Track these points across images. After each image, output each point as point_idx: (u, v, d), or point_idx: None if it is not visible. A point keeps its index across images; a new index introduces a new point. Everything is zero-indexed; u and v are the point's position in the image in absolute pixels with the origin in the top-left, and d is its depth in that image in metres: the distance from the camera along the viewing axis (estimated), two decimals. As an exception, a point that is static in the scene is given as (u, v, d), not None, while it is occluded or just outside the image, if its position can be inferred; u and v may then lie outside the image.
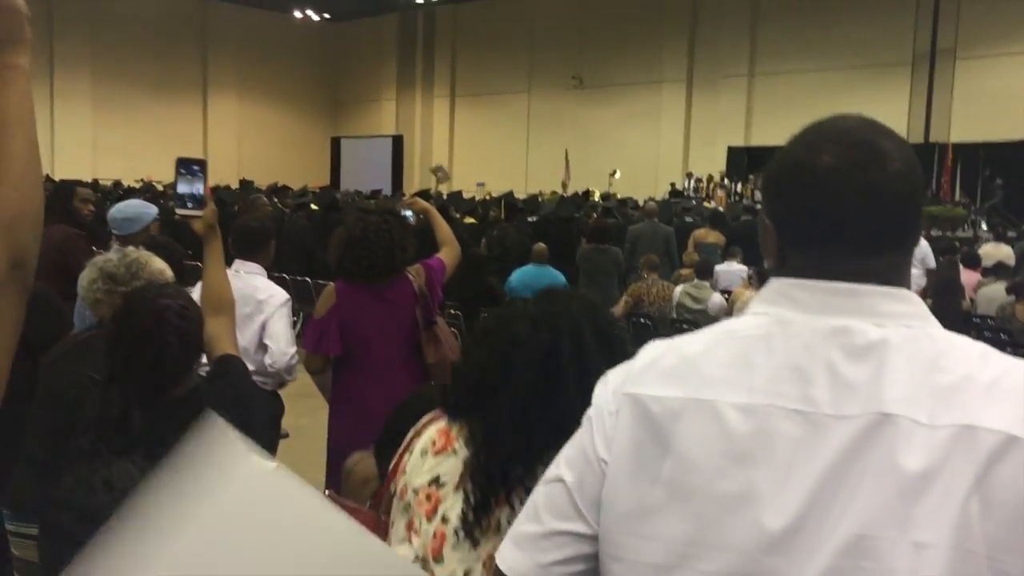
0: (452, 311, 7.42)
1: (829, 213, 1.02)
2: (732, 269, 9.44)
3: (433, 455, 1.63)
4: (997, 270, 9.11)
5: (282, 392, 4.02)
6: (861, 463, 0.92)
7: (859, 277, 1.01)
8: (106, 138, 25.03)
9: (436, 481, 1.60)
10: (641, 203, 15.10)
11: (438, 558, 1.56)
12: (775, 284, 1.07)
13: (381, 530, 1.70)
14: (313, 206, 13.25)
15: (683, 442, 1.01)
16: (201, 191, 2.54)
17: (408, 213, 4.17)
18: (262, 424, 3.22)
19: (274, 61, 29.52)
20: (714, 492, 0.97)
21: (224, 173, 24.83)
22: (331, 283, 3.85)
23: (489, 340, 1.66)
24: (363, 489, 2.05)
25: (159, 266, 2.82)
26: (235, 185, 20.21)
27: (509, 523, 1.42)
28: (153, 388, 1.89)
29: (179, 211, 2.55)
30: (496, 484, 1.55)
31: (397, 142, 30.26)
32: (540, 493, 1.14)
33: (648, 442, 1.03)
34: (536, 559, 1.11)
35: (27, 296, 1.17)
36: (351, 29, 31.20)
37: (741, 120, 22.71)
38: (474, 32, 28.29)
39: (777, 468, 0.95)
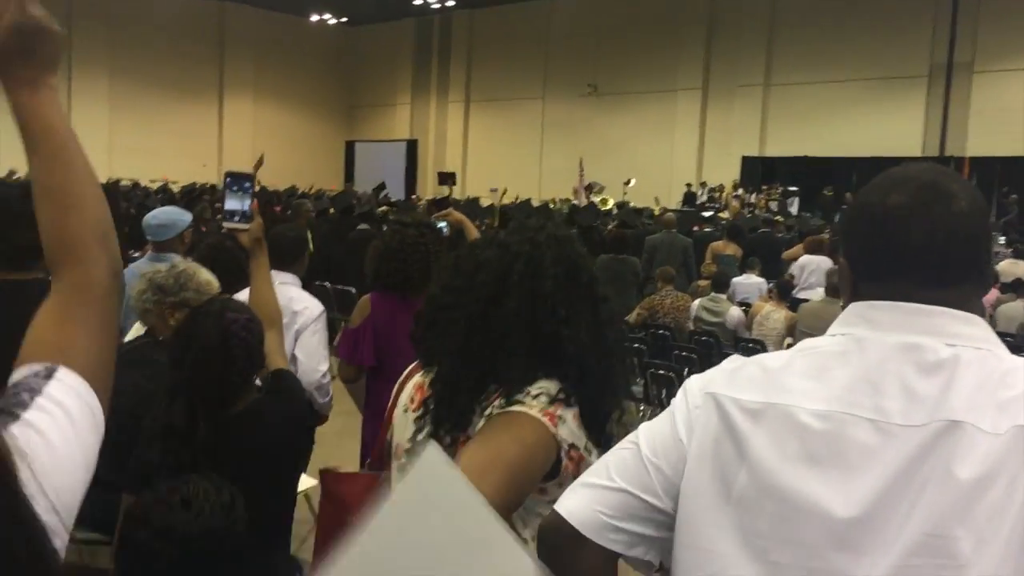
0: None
1: (898, 249, 1.09)
2: (750, 282, 9.45)
3: (413, 411, 1.64)
4: (1016, 287, 9.10)
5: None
6: (928, 466, 0.98)
7: (929, 304, 1.07)
8: (122, 138, 25.15)
9: (414, 439, 1.60)
10: (656, 212, 15.13)
11: None
12: (852, 307, 1.13)
13: (381, 487, 1.72)
14: (331, 210, 13.31)
15: (760, 442, 1.07)
16: (249, 206, 2.58)
17: (443, 225, 4.20)
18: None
19: (290, 64, 29.64)
20: (788, 489, 1.03)
21: (239, 175, 24.92)
22: (366, 294, 3.88)
23: (456, 263, 1.64)
24: None
25: (206, 277, 2.87)
26: (273, 186, 20.27)
27: None
28: (218, 401, 1.92)
29: (226, 224, 2.59)
30: (451, 424, 1.52)
31: (411, 146, 30.33)
32: (612, 455, 1.20)
33: (727, 440, 1.09)
34: (596, 510, 1.15)
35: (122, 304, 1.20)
36: (367, 33, 31.31)
37: (756, 130, 22.68)
38: (490, 38, 28.34)
39: (848, 471, 1.01)
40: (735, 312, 7.92)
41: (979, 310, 1.11)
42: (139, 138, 25.43)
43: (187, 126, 26.91)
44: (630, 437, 1.20)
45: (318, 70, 30.97)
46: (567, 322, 1.50)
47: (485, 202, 18.48)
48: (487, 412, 1.47)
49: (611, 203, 19.76)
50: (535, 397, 1.46)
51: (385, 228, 3.91)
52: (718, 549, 1.07)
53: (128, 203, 14.19)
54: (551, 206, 19.17)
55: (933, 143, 19.53)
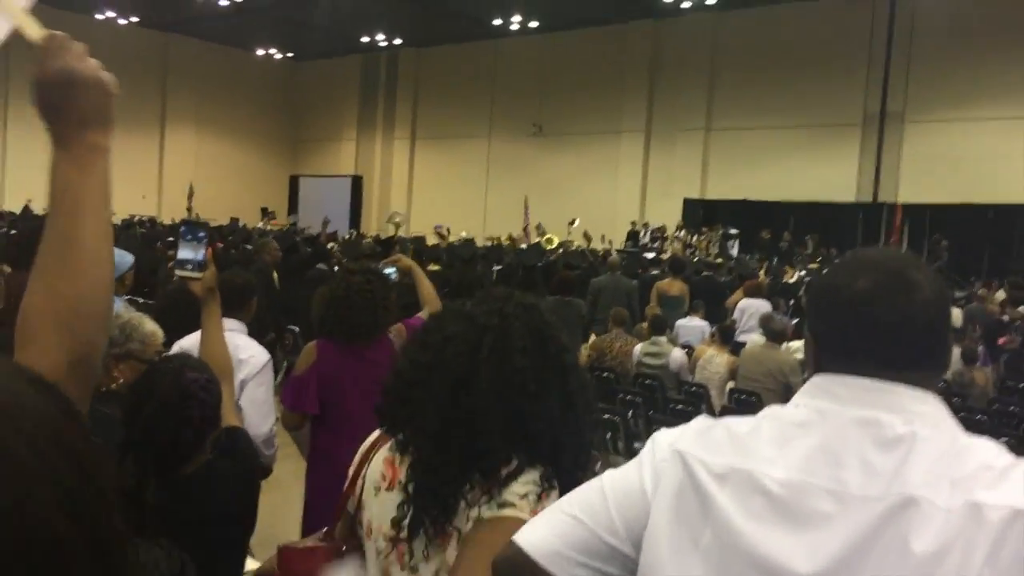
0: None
1: (863, 331, 1.14)
2: (694, 324, 9.58)
3: (385, 490, 1.60)
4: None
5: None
6: (886, 538, 1.01)
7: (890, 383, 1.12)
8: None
9: (398, 525, 1.55)
10: (601, 253, 15.29)
11: None
12: (816, 380, 1.19)
13: (344, 556, 1.69)
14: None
15: (724, 502, 1.10)
16: (203, 255, 2.56)
17: (391, 270, 4.19)
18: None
19: (234, 97, 29.40)
20: (752, 545, 1.07)
21: (179, 207, 24.58)
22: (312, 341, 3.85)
23: (423, 337, 1.62)
24: None
25: (151, 328, 2.81)
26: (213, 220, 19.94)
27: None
28: (171, 462, 1.88)
29: (179, 272, 2.57)
30: (436, 512, 1.49)
31: (356, 182, 30.24)
32: (576, 494, 1.22)
33: (692, 496, 1.13)
34: (559, 544, 1.16)
35: (92, 390, 1.10)
36: (313, 68, 31.27)
37: (697, 173, 23.12)
38: (436, 76, 28.51)
39: (810, 532, 1.05)
40: (677, 354, 8.01)
41: (935, 389, 1.16)
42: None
43: (127, 156, 26.46)
44: (594, 481, 1.22)
45: (263, 103, 30.76)
46: (538, 397, 1.49)
47: (431, 240, 18.48)
48: (475, 513, 1.45)
49: (556, 242, 19.94)
50: (523, 497, 1.44)
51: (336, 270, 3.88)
52: None
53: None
54: (502, 243, 19.26)
55: (867, 189, 20.13)
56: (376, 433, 1.71)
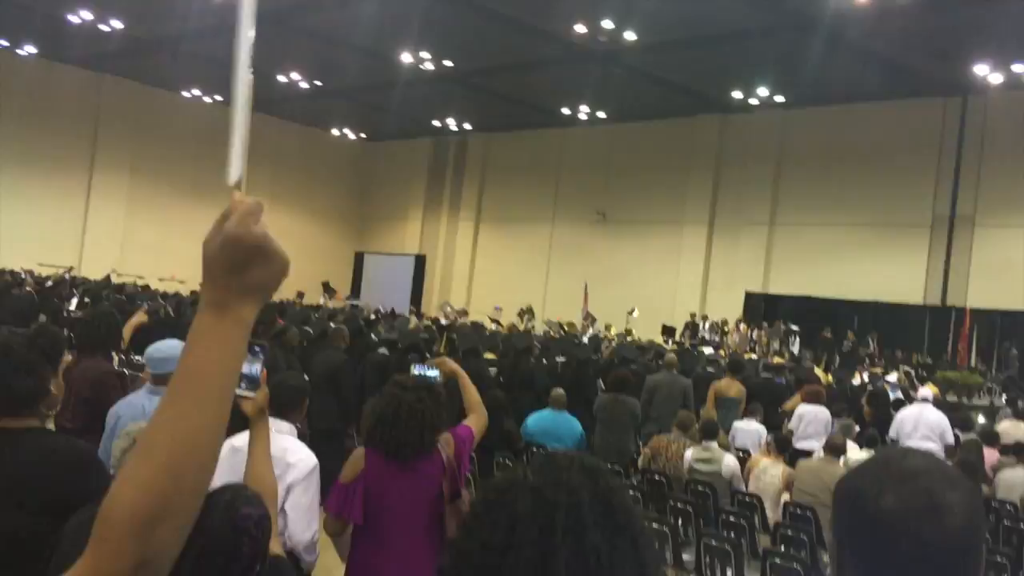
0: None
1: (885, 551, 1.12)
2: (751, 428, 9.38)
3: None
4: (1017, 450, 9.02)
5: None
6: None
7: None
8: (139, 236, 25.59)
9: None
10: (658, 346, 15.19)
11: None
12: None
13: None
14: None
15: None
16: (258, 372, 2.61)
17: (435, 374, 4.18)
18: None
19: (307, 173, 30.46)
20: None
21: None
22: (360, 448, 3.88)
23: (486, 515, 1.52)
24: None
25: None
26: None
27: None
28: (213, 598, 1.88)
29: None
30: None
31: (420, 261, 30.74)
32: None
33: None
34: None
35: None
36: (385, 148, 32.22)
37: (760, 266, 22.97)
38: (504, 161, 29.09)
39: None
40: (730, 461, 7.81)
41: None
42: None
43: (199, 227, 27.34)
44: None
45: (334, 180, 31.73)
46: (612, 569, 1.47)
47: (489, 325, 18.58)
48: None
49: (614, 331, 19.88)
50: None
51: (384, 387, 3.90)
52: None
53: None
54: (563, 330, 19.26)
55: (935, 292, 19.71)
56: None
